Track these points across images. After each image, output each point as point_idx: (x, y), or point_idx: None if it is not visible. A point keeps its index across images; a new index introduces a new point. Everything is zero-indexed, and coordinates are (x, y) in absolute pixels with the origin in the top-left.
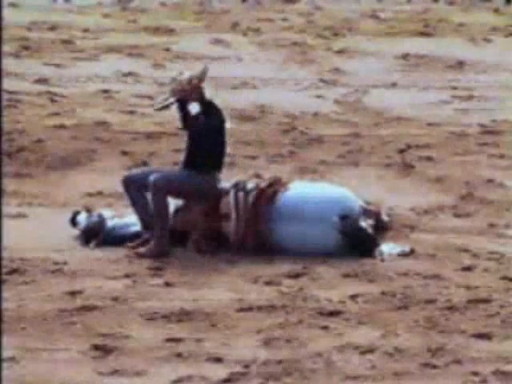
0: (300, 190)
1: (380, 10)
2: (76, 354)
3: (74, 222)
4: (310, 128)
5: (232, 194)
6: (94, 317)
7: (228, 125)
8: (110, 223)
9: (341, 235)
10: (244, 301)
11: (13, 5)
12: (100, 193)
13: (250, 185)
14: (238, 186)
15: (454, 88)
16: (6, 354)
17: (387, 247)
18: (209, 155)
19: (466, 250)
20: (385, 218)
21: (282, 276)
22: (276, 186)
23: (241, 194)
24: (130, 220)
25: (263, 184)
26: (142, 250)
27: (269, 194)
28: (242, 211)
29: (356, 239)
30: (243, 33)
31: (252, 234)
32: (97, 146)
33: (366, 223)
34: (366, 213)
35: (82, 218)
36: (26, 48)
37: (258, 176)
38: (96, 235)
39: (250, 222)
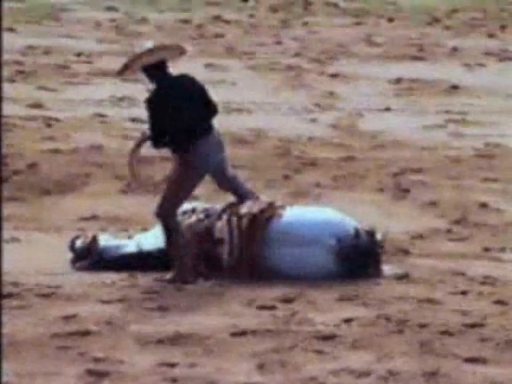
0: (294, 214)
1: (374, 33)
2: (70, 378)
3: (72, 247)
4: (305, 152)
5: (225, 219)
6: (88, 341)
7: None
8: (102, 244)
9: (337, 258)
10: (238, 325)
11: (8, 29)
12: (94, 217)
13: (243, 210)
14: (230, 211)
15: (448, 112)
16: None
17: (387, 267)
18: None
19: (460, 274)
20: (379, 237)
21: (277, 300)
22: (269, 211)
23: (234, 219)
24: (123, 241)
25: (256, 209)
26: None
27: (262, 219)
28: (236, 237)
29: (356, 259)
30: (238, 57)
31: (246, 260)
32: (91, 170)
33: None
34: (360, 233)
35: (79, 242)
36: (21, 72)
37: None
38: (87, 256)
39: (244, 247)
